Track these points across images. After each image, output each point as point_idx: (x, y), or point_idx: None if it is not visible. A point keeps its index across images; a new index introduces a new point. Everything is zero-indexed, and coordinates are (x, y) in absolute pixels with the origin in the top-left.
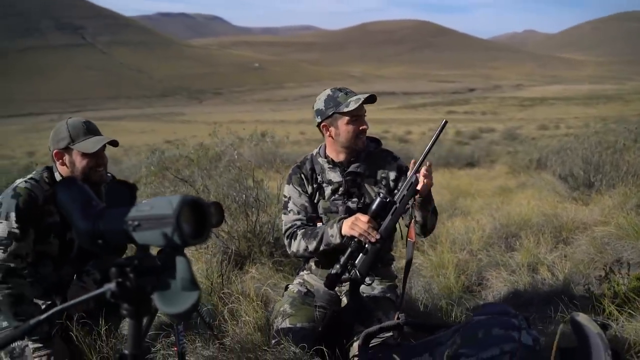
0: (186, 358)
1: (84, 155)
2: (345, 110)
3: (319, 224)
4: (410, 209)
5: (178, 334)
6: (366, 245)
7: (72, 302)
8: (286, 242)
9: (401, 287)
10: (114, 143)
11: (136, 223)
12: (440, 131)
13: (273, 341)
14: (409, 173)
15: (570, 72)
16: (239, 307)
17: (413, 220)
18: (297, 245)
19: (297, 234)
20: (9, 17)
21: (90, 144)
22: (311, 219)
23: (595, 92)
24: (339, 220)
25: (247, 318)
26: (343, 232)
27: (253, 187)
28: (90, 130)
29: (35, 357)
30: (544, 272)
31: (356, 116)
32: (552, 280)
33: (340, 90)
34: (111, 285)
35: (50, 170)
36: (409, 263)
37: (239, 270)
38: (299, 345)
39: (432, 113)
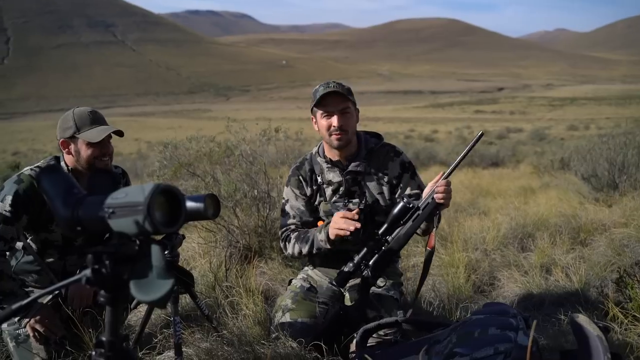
0: (183, 349)
1: (89, 144)
2: (314, 102)
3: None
4: (433, 217)
5: (175, 325)
6: (383, 247)
7: (49, 288)
8: (281, 244)
9: (406, 285)
10: (120, 133)
11: (111, 210)
12: (475, 143)
13: (273, 335)
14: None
15: (603, 72)
16: (240, 301)
17: (434, 230)
18: (292, 248)
19: (290, 237)
20: (43, 15)
21: (95, 133)
22: (306, 223)
23: (629, 92)
24: (326, 225)
25: (247, 311)
26: (330, 236)
27: (265, 182)
28: (96, 119)
29: (28, 330)
30: (558, 274)
31: (327, 111)
32: (566, 282)
33: (324, 84)
34: (87, 272)
35: (57, 159)
36: (425, 270)
37: (248, 265)
38: (297, 340)
39: (460, 112)
